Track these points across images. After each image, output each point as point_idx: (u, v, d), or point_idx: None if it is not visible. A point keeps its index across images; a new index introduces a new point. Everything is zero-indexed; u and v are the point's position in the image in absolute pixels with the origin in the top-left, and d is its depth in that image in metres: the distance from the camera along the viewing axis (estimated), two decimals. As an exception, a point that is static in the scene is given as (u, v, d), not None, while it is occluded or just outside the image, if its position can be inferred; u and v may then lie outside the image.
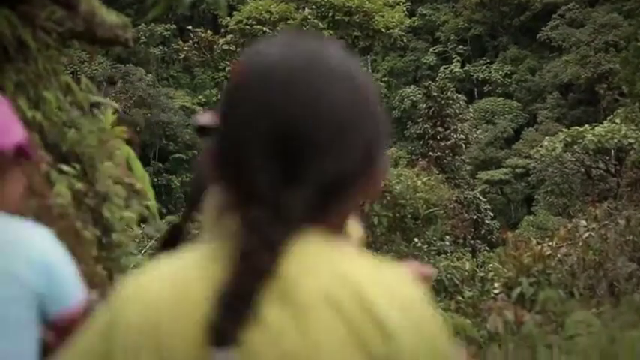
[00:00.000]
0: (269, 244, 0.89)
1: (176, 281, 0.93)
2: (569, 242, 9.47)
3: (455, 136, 24.76)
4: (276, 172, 0.91)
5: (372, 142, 0.97)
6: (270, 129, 0.91)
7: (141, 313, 0.92)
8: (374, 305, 0.88)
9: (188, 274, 0.93)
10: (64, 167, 2.81)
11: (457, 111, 25.64)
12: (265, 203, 0.90)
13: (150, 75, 57.58)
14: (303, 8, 27.68)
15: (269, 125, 0.91)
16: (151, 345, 0.90)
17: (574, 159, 24.73)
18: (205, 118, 1.23)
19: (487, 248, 18.11)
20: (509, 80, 60.47)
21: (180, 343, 0.89)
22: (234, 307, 0.86)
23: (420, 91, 37.00)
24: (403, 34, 27.32)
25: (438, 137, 24.82)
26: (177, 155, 55.79)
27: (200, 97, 61.44)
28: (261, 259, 0.88)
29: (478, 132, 27.62)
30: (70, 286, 1.70)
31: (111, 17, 3.53)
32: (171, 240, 1.25)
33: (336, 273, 0.91)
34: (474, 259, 12.91)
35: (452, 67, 60.23)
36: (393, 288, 0.92)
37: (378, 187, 1.07)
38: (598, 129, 23.22)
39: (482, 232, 20.06)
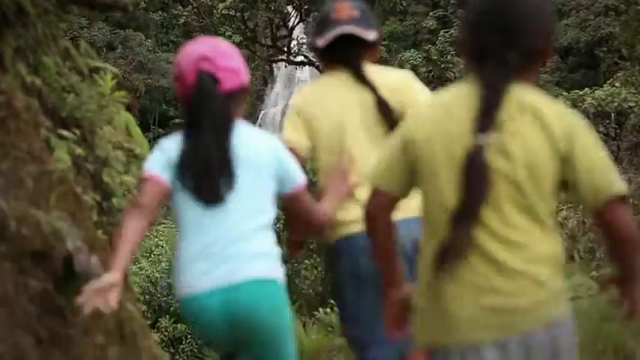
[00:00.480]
0: (501, 77, 1.76)
1: (443, 105, 1.86)
2: (570, 205, 9.46)
3: (456, 100, 24.72)
4: (500, 41, 1.76)
5: (549, 32, 1.88)
6: (497, 19, 1.80)
7: (431, 119, 1.85)
8: (564, 116, 1.79)
9: (451, 100, 1.87)
10: (64, 132, 2.78)
11: (458, 75, 25.51)
12: (494, 58, 1.77)
13: (149, 40, 57.21)
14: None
15: (496, 17, 1.80)
16: (439, 135, 1.80)
17: (575, 122, 24.74)
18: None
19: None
20: (510, 43, 60.26)
21: (457, 131, 1.77)
22: (489, 113, 1.72)
23: (420, 55, 36.72)
24: (403, -3, 27.06)
25: (439, 101, 24.79)
26: (177, 120, 55.67)
27: (199, 61, 61.23)
28: (499, 84, 1.75)
29: (479, 96, 27.49)
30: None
31: (109, -19, 3.48)
32: None
33: (538, 99, 1.80)
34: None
35: (452, 31, 59.80)
36: (567, 111, 1.85)
37: (549, 59, 1.95)
38: (598, 92, 23.12)
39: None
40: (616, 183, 1.79)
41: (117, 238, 2.16)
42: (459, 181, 1.75)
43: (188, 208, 2.45)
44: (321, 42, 2.96)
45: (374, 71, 2.99)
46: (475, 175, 1.74)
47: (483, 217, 1.73)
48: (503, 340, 1.72)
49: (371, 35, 2.96)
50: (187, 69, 2.51)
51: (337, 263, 2.87)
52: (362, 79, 2.90)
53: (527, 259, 1.75)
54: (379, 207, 1.99)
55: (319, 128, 2.88)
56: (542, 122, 1.75)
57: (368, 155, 2.72)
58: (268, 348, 2.42)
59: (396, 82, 3.02)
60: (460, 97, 1.84)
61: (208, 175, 2.42)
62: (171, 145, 2.49)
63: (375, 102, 2.87)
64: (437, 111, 1.86)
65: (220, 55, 2.56)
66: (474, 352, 1.74)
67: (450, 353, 1.77)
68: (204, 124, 2.47)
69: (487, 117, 1.74)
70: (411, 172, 1.88)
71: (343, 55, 2.95)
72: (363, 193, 2.14)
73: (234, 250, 2.37)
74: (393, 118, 2.82)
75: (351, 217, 2.70)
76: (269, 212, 2.49)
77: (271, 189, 2.51)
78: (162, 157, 2.46)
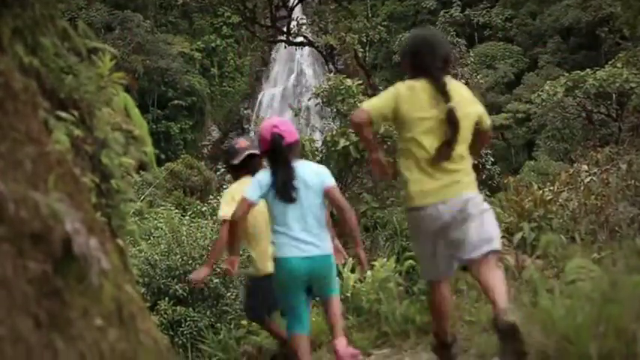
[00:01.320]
0: (442, 77, 4.35)
1: (413, 85, 4.36)
2: (571, 187, 9.47)
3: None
4: (435, 60, 4.40)
5: (449, 55, 4.64)
6: (431, 50, 4.45)
7: (407, 87, 4.40)
8: (467, 89, 4.62)
9: (417, 86, 4.34)
10: (62, 114, 2.77)
11: (457, 55, 25.51)
12: (435, 67, 4.37)
13: (148, 21, 57.09)
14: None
15: (431, 49, 4.46)
16: (413, 105, 4.31)
17: (575, 103, 24.64)
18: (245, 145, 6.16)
19: (488, 193, 18.07)
20: (510, 24, 59.94)
21: (423, 103, 4.30)
22: (443, 90, 4.27)
23: (420, 36, 36.61)
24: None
25: (439, 82, 24.71)
26: (176, 102, 55.64)
27: (199, 42, 61.02)
28: (442, 79, 4.32)
29: (479, 77, 27.41)
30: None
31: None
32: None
33: (459, 84, 4.58)
34: (475, 205, 12.90)
35: (452, 11, 59.64)
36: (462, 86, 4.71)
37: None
38: (599, 73, 23.08)
39: (483, 177, 20.01)
40: (487, 120, 4.62)
41: (231, 237, 5.03)
42: (444, 127, 4.25)
43: (277, 206, 4.78)
44: (236, 161, 5.97)
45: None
46: (454, 123, 4.20)
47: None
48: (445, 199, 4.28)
49: (259, 151, 5.30)
50: (267, 133, 4.85)
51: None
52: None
53: (464, 164, 4.38)
54: (364, 121, 4.46)
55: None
56: (462, 94, 4.40)
57: None
58: (329, 282, 4.97)
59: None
60: (418, 86, 4.37)
61: (284, 189, 4.75)
62: (264, 176, 4.83)
63: None
64: (412, 92, 4.37)
65: (283, 124, 4.97)
66: (435, 206, 4.27)
67: (426, 207, 4.29)
68: (280, 161, 4.81)
69: (446, 94, 4.26)
70: (392, 114, 4.46)
71: (250, 164, 5.85)
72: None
73: (313, 235, 4.78)
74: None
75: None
76: (323, 211, 4.89)
77: (320, 197, 4.83)
78: (257, 185, 4.79)
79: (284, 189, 4.69)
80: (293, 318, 4.92)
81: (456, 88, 4.42)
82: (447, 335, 4.60)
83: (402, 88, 4.37)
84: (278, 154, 4.76)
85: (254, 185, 4.75)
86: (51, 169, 1.97)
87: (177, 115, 55.75)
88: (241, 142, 6.21)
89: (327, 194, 4.80)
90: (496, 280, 4.11)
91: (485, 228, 4.29)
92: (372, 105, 4.45)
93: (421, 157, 4.32)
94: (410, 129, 4.33)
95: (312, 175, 4.79)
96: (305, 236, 4.71)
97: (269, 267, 5.27)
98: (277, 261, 4.81)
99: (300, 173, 4.74)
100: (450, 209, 4.27)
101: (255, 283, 6.09)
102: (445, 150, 4.23)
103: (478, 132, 4.46)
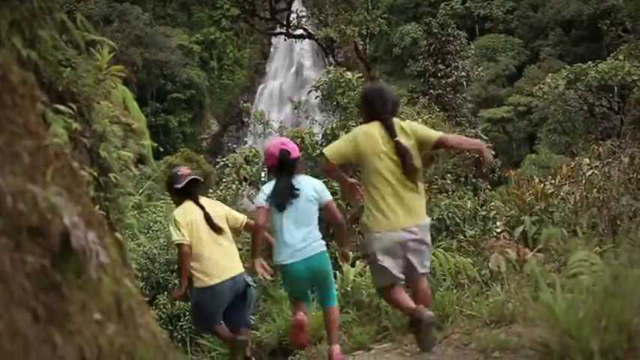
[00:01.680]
0: (391, 120, 5.44)
1: (366, 129, 5.47)
2: (572, 180, 9.45)
3: (456, 73, 24.59)
4: (388, 109, 5.51)
5: (397, 102, 5.87)
6: (384, 98, 5.57)
7: (361, 136, 5.47)
8: (412, 125, 5.69)
9: (370, 128, 5.44)
10: (60, 107, 2.75)
11: (458, 48, 25.40)
12: (386, 112, 5.47)
13: (147, 14, 56.99)
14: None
15: (383, 98, 5.57)
16: (368, 143, 5.37)
17: (577, 96, 24.60)
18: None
19: (489, 187, 18.07)
20: (511, 17, 59.85)
21: (375, 140, 5.36)
22: (391, 130, 5.36)
23: (420, 28, 36.65)
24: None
25: (439, 75, 24.67)
26: (174, 95, 55.59)
27: (198, 35, 60.91)
28: (390, 121, 5.42)
29: (480, 69, 27.35)
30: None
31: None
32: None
33: (407, 122, 5.66)
34: (476, 198, 12.89)
35: (453, 3, 59.56)
36: (411, 122, 6.07)
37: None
38: (601, 66, 23.03)
39: (484, 170, 20.00)
40: (435, 133, 5.61)
41: (254, 243, 5.80)
42: (394, 160, 5.33)
43: (275, 214, 5.64)
44: (180, 185, 6.64)
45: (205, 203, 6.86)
46: (404, 153, 5.28)
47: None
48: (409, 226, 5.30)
49: (266, 166, 6.20)
50: (275, 150, 5.75)
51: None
52: (197, 203, 6.71)
53: (420, 193, 5.46)
54: (332, 168, 5.55)
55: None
56: (405, 129, 5.46)
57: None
58: (326, 280, 5.88)
59: None
60: (373, 129, 5.44)
61: (281, 198, 5.62)
62: (269, 186, 5.73)
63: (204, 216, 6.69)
64: (368, 133, 5.43)
65: (288, 142, 5.92)
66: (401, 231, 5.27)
67: (392, 232, 5.28)
68: (285, 174, 5.71)
69: (393, 132, 5.36)
70: (354, 154, 5.47)
71: (191, 190, 6.72)
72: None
73: (306, 239, 5.66)
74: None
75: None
76: (315, 218, 5.77)
77: (316, 209, 5.76)
78: (264, 194, 5.67)
79: (280, 197, 5.61)
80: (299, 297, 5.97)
81: (403, 126, 5.53)
82: (415, 309, 5.26)
83: (359, 132, 5.57)
84: (285, 168, 5.70)
85: (261, 194, 5.74)
86: (49, 162, 1.95)
87: (176, 109, 55.72)
88: (183, 169, 7.05)
89: (325, 208, 5.77)
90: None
91: (427, 254, 5.59)
92: (334, 151, 5.53)
93: (382, 187, 5.34)
94: (370, 164, 5.38)
95: (312, 190, 5.73)
96: (299, 242, 5.63)
97: (215, 279, 6.52)
98: (280, 267, 5.77)
99: (302, 186, 5.68)
100: (409, 235, 5.33)
101: (201, 295, 6.65)
102: (406, 177, 5.35)
103: (441, 144, 5.60)
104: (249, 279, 6.90)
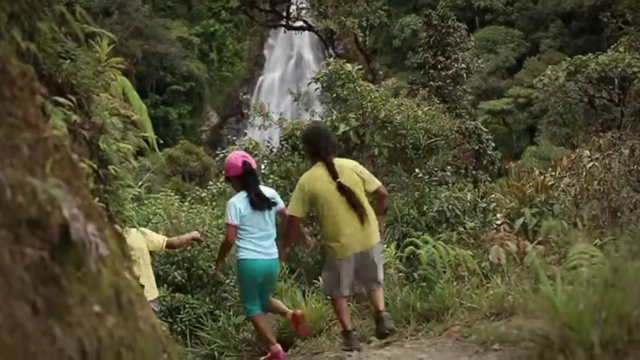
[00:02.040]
0: (331, 159, 6.34)
1: (314, 173, 6.37)
2: (573, 172, 9.44)
3: (456, 65, 24.50)
4: (328, 147, 6.43)
5: (335, 142, 7.28)
6: (325, 138, 6.55)
7: (308, 182, 6.36)
8: (357, 168, 6.53)
9: (316, 171, 6.35)
10: (60, 99, 2.75)
11: (458, 40, 25.30)
12: (329, 155, 6.37)
13: (146, 6, 56.85)
14: None
15: (325, 138, 6.55)
16: (318, 185, 6.29)
17: (577, 88, 24.53)
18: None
19: (489, 179, 18.05)
20: (511, 8, 59.68)
21: (324, 181, 6.27)
22: (333, 170, 6.26)
23: (420, 20, 36.54)
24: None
25: (439, 66, 24.58)
26: (174, 87, 55.52)
27: (197, 27, 60.79)
28: (331, 160, 6.34)
29: (480, 61, 27.25)
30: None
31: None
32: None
33: (346, 161, 6.66)
34: (476, 190, 12.87)
35: (453, -6, 59.37)
36: (352, 162, 6.80)
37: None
38: (601, 57, 22.96)
39: (484, 162, 19.93)
40: (377, 182, 6.56)
41: (222, 255, 7.14)
42: (341, 197, 6.25)
43: (251, 217, 6.53)
44: None
45: None
46: (346, 192, 6.24)
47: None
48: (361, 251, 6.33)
49: (228, 175, 7.12)
50: (238, 162, 6.65)
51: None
52: None
53: (371, 218, 6.39)
54: (294, 223, 6.51)
55: None
56: (348, 169, 6.40)
57: None
58: (274, 282, 7.22)
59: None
60: (317, 171, 6.37)
61: (260, 205, 6.58)
62: (240, 198, 6.57)
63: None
64: (312, 177, 6.37)
65: (247, 155, 6.85)
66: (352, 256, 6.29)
67: (348, 258, 6.29)
68: (251, 184, 6.62)
69: (335, 173, 6.26)
70: (310, 203, 6.40)
71: None
72: None
73: (269, 243, 6.65)
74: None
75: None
76: (274, 224, 6.73)
77: (274, 213, 6.73)
78: (235, 209, 6.51)
79: (259, 200, 6.60)
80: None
81: (343, 164, 6.48)
82: (348, 325, 6.51)
83: (304, 180, 6.47)
84: (249, 176, 6.66)
85: (233, 210, 6.55)
86: (48, 154, 1.95)
87: (176, 101, 55.66)
88: None
89: (281, 213, 6.81)
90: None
91: (379, 270, 6.50)
92: (295, 208, 6.43)
93: (335, 220, 6.30)
94: (322, 202, 6.31)
95: (271, 195, 6.78)
96: (270, 245, 6.70)
97: (153, 293, 7.08)
98: (244, 262, 6.62)
99: (265, 192, 6.76)
100: (361, 256, 6.33)
101: None
102: (354, 211, 6.29)
103: (373, 193, 6.61)
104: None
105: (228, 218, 6.53)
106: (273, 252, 6.68)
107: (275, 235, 6.74)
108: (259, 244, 6.55)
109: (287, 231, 6.63)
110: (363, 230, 6.30)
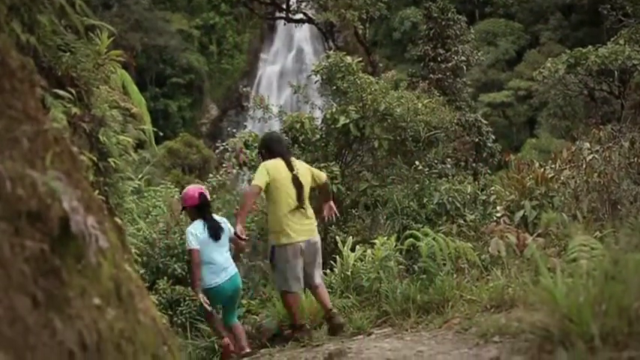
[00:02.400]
0: (290, 157, 7.46)
1: (276, 163, 7.25)
2: (573, 165, 9.43)
3: (456, 57, 24.49)
4: (285, 151, 7.57)
5: (288, 146, 9.69)
6: (280, 142, 7.70)
7: (272, 166, 7.23)
8: (310, 168, 7.70)
9: (278, 162, 7.26)
10: (59, 91, 2.74)
11: (458, 32, 25.27)
12: (287, 155, 7.45)
13: (146, -2, 56.78)
14: None
15: (279, 142, 7.68)
16: (276, 173, 7.19)
17: (577, 81, 24.46)
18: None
19: (489, 171, 18.06)
20: (511, 1, 59.53)
21: (283, 171, 7.22)
22: (291, 166, 7.28)
23: (420, 13, 36.44)
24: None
25: (439, 59, 24.56)
26: (174, 79, 55.44)
27: (197, 20, 60.65)
28: (290, 160, 7.39)
29: (479, 54, 27.20)
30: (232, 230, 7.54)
31: None
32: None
33: (302, 164, 7.69)
34: (476, 182, 12.88)
35: (453, -13, 59.22)
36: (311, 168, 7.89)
37: None
38: (601, 50, 22.87)
39: (484, 154, 19.94)
40: (324, 175, 7.86)
41: (194, 277, 7.48)
42: (293, 187, 7.14)
43: (208, 245, 7.41)
44: None
45: None
46: (298, 184, 7.19)
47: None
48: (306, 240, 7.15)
49: (185, 206, 8.03)
50: (195, 194, 7.67)
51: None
52: None
53: (311, 214, 7.28)
54: (256, 192, 7.26)
55: None
56: (303, 167, 7.49)
57: None
58: (239, 298, 8.01)
59: None
60: (278, 162, 7.24)
61: (215, 232, 7.48)
62: (198, 227, 7.47)
63: None
64: (274, 164, 7.23)
65: (203, 188, 7.99)
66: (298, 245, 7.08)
67: (293, 245, 7.07)
68: (206, 213, 7.61)
69: (291, 166, 7.26)
70: (270, 178, 7.13)
71: None
72: None
73: (228, 264, 7.57)
74: None
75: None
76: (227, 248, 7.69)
77: (227, 237, 7.61)
78: (193, 235, 7.39)
79: (214, 227, 7.51)
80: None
81: (299, 163, 7.54)
82: (301, 320, 7.33)
83: (268, 165, 7.27)
84: (205, 207, 7.64)
85: (192, 237, 7.39)
86: (48, 147, 1.94)
87: (176, 93, 55.59)
88: None
89: (232, 239, 7.64)
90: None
91: (320, 266, 7.44)
92: (257, 179, 7.16)
93: (286, 205, 7.14)
94: (278, 186, 7.15)
95: (226, 225, 7.70)
96: (225, 263, 7.54)
97: None
98: (212, 288, 7.42)
99: (222, 224, 7.68)
100: (307, 245, 7.18)
101: None
102: (298, 202, 7.18)
103: (319, 186, 7.73)
104: None
105: (190, 244, 7.37)
106: (232, 270, 7.62)
107: (230, 255, 7.71)
108: (218, 269, 7.45)
109: (244, 203, 7.40)
110: (306, 223, 7.22)
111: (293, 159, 7.54)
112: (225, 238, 7.59)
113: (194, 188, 7.82)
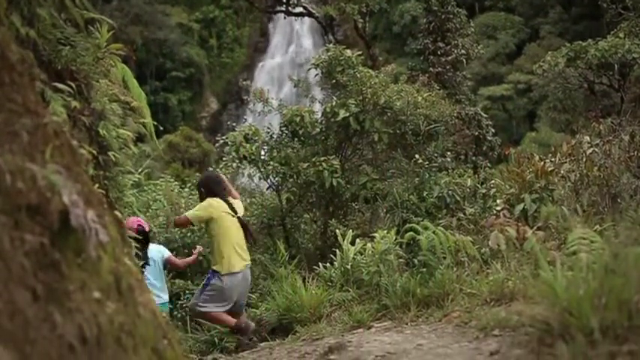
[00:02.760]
0: (226, 196, 8.27)
1: (221, 203, 8.02)
2: (573, 158, 9.41)
3: (456, 51, 24.42)
4: (224, 192, 8.25)
5: (227, 186, 8.61)
6: (221, 186, 8.27)
7: (218, 207, 8.04)
8: (240, 203, 8.80)
9: (221, 202, 7.99)
10: (59, 85, 2.74)
11: (458, 26, 25.20)
12: (222, 192, 8.21)
13: (146, -8, 56.71)
14: None
15: (221, 185, 8.29)
16: (219, 209, 7.96)
17: (577, 74, 24.42)
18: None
19: (489, 165, 18.03)
20: (511, -6, 59.50)
21: (223, 208, 8.02)
22: (233, 209, 8.16)
23: (420, 6, 36.34)
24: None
25: (439, 52, 24.50)
26: (174, 73, 55.45)
27: (197, 13, 60.61)
28: (226, 198, 8.24)
29: (479, 47, 27.13)
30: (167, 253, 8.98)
31: None
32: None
33: (237, 201, 8.60)
34: (476, 176, 12.85)
35: (453, -19, 59.09)
36: None
37: None
38: (601, 43, 22.82)
39: (484, 148, 19.93)
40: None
41: None
42: (238, 225, 8.07)
43: (147, 270, 7.97)
44: None
45: None
46: (245, 225, 8.23)
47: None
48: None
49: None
50: (133, 225, 7.24)
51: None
52: None
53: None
54: (184, 224, 8.53)
55: None
56: (239, 206, 8.34)
57: None
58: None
59: None
60: (222, 202, 7.99)
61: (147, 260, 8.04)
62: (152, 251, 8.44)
63: None
64: (220, 204, 8.02)
65: (142, 221, 8.13)
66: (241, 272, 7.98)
67: (235, 273, 7.91)
68: (145, 244, 7.81)
69: (234, 209, 8.07)
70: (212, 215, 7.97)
71: None
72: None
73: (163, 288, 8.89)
74: None
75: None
76: (161, 272, 8.94)
77: (162, 265, 8.85)
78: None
79: (147, 260, 7.97)
80: None
81: (236, 202, 8.28)
82: (239, 323, 7.97)
83: (215, 204, 8.01)
84: (144, 239, 7.73)
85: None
86: (48, 140, 1.94)
87: (176, 87, 55.60)
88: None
89: (167, 261, 8.85)
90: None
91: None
92: (195, 218, 8.15)
93: (232, 240, 7.95)
94: (223, 222, 7.95)
95: (158, 253, 8.69)
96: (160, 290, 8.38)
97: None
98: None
99: (152, 254, 8.35)
100: (245, 276, 8.09)
101: None
102: (245, 239, 8.15)
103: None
104: None
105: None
106: (165, 297, 8.56)
107: (164, 279, 8.91)
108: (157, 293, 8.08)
109: (177, 224, 8.75)
110: (244, 252, 8.11)
111: (230, 199, 8.27)
112: (160, 267, 8.68)
113: (133, 220, 7.82)
